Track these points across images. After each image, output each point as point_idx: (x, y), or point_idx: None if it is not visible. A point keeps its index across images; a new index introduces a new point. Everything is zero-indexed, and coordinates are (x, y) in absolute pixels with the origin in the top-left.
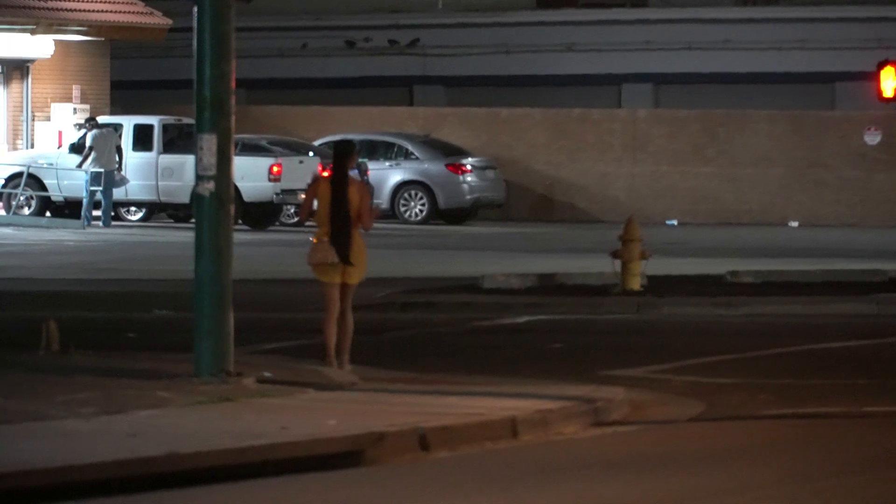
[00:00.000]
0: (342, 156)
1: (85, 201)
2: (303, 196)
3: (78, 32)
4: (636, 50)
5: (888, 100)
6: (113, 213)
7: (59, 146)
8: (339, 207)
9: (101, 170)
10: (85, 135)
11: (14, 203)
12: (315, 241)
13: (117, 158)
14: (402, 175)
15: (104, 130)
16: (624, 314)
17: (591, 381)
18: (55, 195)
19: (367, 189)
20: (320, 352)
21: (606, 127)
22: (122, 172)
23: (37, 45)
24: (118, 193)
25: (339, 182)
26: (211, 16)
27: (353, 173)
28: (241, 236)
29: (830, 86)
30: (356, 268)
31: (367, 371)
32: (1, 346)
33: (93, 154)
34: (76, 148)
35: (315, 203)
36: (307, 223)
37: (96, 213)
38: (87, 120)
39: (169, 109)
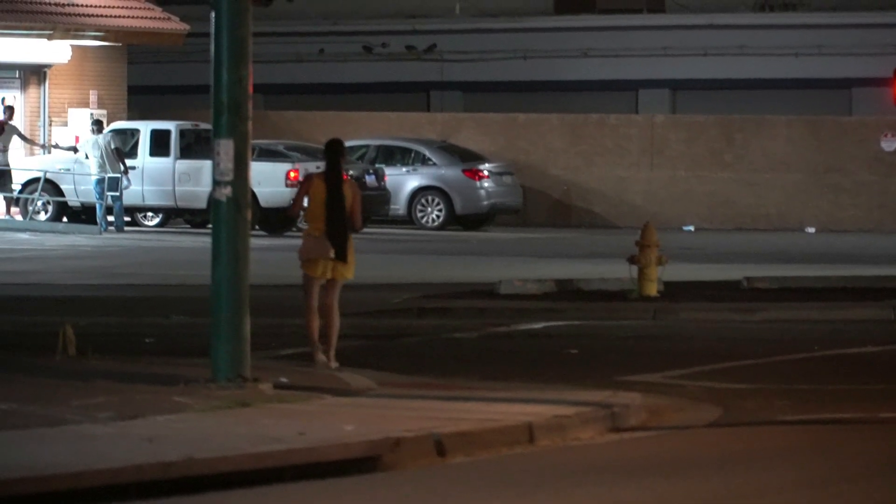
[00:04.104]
0: (335, 153)
1: (98, 207)
2: None
3: (95, 38)
4: (653, 55)
5: None
6: (130, 219)
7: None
8: (336, 203)
9: (115, 175)
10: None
11: (31, 208)
12: (306, 236)
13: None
14: (419, 181)
15: (96, 137)
16: (641, 320)
17: (608, 387)
18: (72, 200)
19: (360, 189)
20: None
21: (624, 132)
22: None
23: (54, 51)
24: (135, 198)
25: (334, 179)
26: (228, 20)
27: (370, 178)
28: (258, 241)
29: (847, 91)
30: (349, 265)
31: (383, 376)
32: (18, 351)
33: (96, 160)
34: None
35: (306, 200)
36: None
37: (111, 218)
38: (92, 123)
39: (186, 114)
